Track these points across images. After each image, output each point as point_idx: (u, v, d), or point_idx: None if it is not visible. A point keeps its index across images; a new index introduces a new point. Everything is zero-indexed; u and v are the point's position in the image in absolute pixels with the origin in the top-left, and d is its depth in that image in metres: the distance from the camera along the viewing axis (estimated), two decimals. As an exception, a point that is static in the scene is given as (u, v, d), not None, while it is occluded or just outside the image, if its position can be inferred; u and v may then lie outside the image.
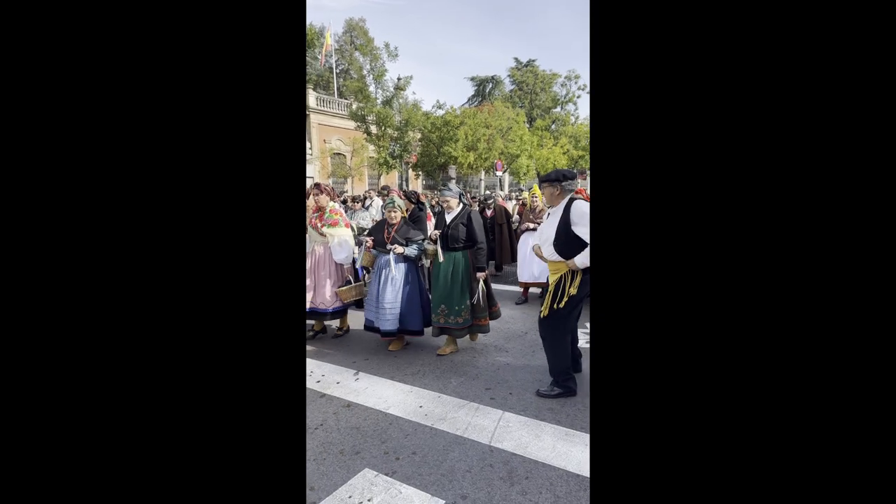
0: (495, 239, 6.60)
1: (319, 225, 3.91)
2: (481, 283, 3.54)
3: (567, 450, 2.27)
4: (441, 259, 3.59)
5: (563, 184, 2.75)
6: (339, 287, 3.93)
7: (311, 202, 4.03)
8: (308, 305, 3.89)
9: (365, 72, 16.66)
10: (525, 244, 5.33)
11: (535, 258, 4.63)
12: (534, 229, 4.98)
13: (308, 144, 13.81)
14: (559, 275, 2.79)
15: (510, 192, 16.54)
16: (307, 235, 3.96)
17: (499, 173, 17.67)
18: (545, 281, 4.03)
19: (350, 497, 1.93)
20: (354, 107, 16.65)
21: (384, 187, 6.59)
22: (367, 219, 6.05)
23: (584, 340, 3.78)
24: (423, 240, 3.76)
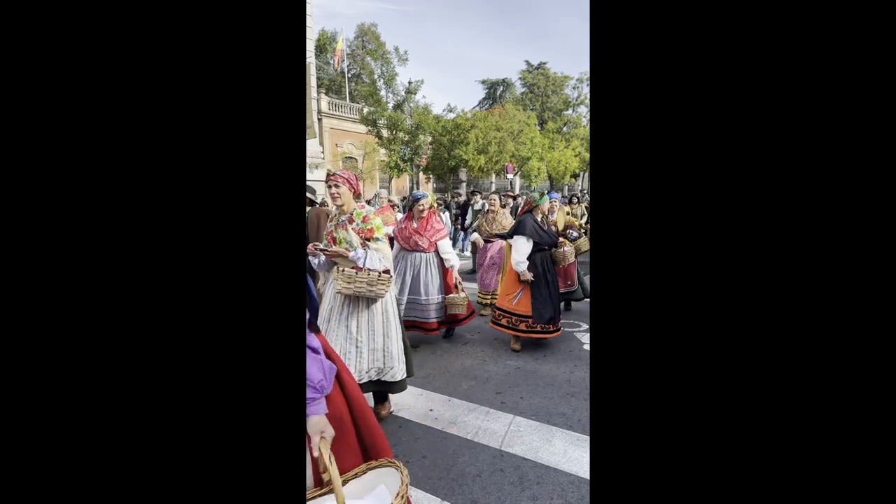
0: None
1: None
2: None
3: (579, 455, 2.25)
4: None
5: None
6: None
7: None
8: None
9: (376, 76, 16.77)
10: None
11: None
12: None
13: (321, 148, 13.89)
14: None
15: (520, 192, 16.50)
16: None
17: (510, 176, 17.65)
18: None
19: (360, 500, 1.94)
20: (366, 111, 16.78)
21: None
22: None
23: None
24: None
